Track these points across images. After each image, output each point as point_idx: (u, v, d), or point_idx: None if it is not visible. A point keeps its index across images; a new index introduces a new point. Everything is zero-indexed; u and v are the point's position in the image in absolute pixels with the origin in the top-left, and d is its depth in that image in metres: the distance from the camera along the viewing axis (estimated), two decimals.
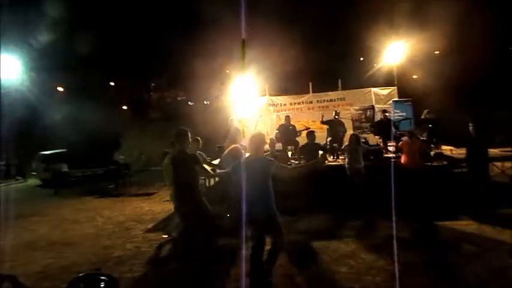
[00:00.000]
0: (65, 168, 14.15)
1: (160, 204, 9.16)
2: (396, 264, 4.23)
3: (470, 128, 7.39)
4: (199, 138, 6.55)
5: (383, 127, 9.78)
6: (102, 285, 2.18)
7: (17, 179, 16.26)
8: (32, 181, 15.51)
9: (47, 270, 5.06)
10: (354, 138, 7.53)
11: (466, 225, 5.90)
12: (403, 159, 7.45)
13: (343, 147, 8.14)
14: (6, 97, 16.54)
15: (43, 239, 6.65)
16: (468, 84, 17.43)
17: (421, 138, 9.09)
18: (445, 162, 7.94)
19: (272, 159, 4.08)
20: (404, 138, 7.78)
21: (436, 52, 21.63)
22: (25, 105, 19.84)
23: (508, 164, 8.72)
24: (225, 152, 6.53)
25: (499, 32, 17.79)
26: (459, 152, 8.56)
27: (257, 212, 3.82)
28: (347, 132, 10.36)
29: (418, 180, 6.92)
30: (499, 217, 6.09)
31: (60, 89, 27.94)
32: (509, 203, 6.64)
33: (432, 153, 8.37)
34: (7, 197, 11.69)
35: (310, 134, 8.03)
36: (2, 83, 15.16)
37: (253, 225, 3.88)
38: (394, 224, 5.17)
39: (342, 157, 8.58)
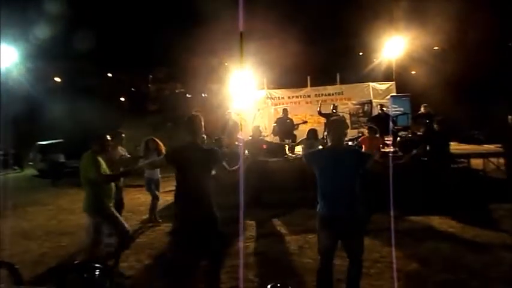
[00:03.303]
0: (61, 158, 14.16)
1: None
2: (389, 256, 4.27)
3: (435, 125, 7.30)
4: (122, 132, 5.97)
5: (380, 122, 9.79)
6: (96, 273, 2.18)
7: (14, 169, 16.26)
8: (29, 171, 15.51)
9: (43, 259, 5.09)
10: (312, 133, 7.40)
11: (461, 219, 5.95)
12: None
13: (299, 140, 7.97)
14: (4, 87, 16.46)
15: (39, 229, 6.68)
16: (466, 81, 17.45)
17: (418, 133, 9.10)
18: None
19: (360, 150, 3.38)
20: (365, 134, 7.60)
21: (435, 48, 21.61)
22: (23, 95, 19.78)
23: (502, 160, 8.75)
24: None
25: (499, 28, 17.76)
26: (456, 148, 8.59)
27: (339, 214, 3.05)
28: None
29: (411, 175, 6.94)
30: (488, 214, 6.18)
31: (57, 79, 27.82)
32: (505, 198, 6.68)
33: (428, 148, 8.38)
34: (4, 187, 11.69)
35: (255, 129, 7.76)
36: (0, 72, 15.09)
37: (327, 231, 3.15)
38: (391, 218, 5.18)
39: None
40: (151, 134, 6.93)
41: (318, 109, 10.35)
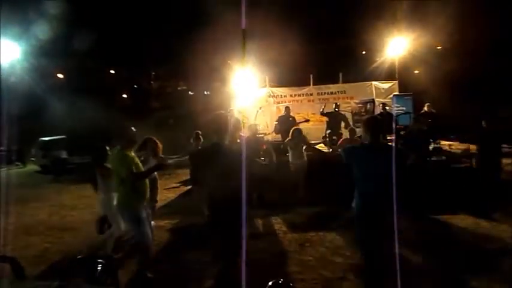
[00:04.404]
0: (63, 154, 14.20)
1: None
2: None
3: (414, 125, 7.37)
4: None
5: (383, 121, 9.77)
6: (99, 268, 2.20)
7: (16, 165, 16.32)
8: (31, 167, 15.55)
9: (45, 254, 5.12)
10: (296, 132, 7.13)
11: (462, 219, 5.94)
12: None
13: (285, 141, 7.87)
14: (6, 83, 16.48)
15: (41, 224, 6.71)
16: (468, 80, 17.40)
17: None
18: (443, 157, 7.94)
19: (398, 148, 3.38)
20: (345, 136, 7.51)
21: (438, 47, 21.53)
22: (25, 91, 19.81)
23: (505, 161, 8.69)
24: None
25: (501, 27, 17.67)
26: (458, 147, 8.56)
27: (374, 212, 3.11)
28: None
29: (417, 174, 6.94)
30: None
31: (60, 75, 27.86)
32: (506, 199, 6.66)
33: (431, 147, 8.37)
34: (6, 182, 11.72)
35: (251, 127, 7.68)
36: (2, 68, 15.10)
37: (364, 228, 3.23)
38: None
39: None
40: (153, 131, 6.91)
41: (321, 109, 10.33)
